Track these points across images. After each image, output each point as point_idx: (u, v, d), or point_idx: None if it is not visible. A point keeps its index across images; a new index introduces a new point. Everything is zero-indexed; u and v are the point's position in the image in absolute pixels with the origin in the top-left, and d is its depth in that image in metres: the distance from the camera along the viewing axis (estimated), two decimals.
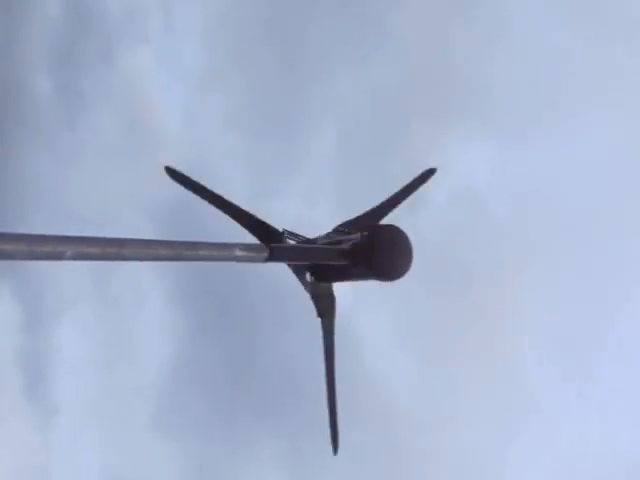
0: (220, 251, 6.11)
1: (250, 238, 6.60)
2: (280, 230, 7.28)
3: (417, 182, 8.34)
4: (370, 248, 6.82)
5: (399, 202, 8.10)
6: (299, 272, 7.26)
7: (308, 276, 7.33)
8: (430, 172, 8.46)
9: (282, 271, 7.31)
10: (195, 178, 7.87)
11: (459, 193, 23.91)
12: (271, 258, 6.35)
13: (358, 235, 6.89)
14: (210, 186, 7.75)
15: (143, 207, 26.25)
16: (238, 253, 6.19)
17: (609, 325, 23.19)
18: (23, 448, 26.06)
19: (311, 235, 7.26)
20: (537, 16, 23.90)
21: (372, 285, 7.23)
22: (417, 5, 24.59)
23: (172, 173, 7.95)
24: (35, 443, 26.49)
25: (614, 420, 23.54)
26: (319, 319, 7.63)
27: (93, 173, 26.44)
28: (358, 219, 7.69)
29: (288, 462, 23.83)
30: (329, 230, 7.38)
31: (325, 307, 7.54)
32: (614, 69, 23.20)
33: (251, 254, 6.32)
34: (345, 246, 6.90)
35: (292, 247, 7.05)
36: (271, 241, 7.02)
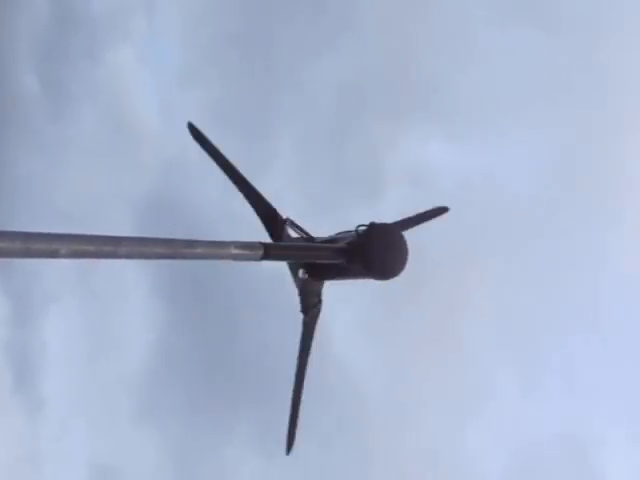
0: (215, 249, 6.04)
1: (245, 236, 6.48)
2: (283, 217, 7.27)
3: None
4: (365, 246, 6.75)
5: None
6: (293, 266, 7.16)
7: (301, 272, 7.24)
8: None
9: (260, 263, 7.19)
10: (214, 142, 7.64)
11: (415, 183, 24.47)
12: (266, 256, 6.27)
13: (354, 233, 6.82)
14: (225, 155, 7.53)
15: (123, 203, 26.26)
16: (233, 251, 6.10)
17: (558, 312, 23.96)
18: (10, 438, 26.26)
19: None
20: (492, 17, 24.49)
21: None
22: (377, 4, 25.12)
23: (193, 131, 7.76)
24: (22, 433, 26.71)
25: (562, 404, 24.41)
26: (302, 315, 7.51)
27: (75, 169, 26.44)
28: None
29: (263, 447, 24.17)
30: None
31: (310, 305, 7.45)
32: (563, 69, 24.05)
33: (246, 252, 6.25)
34: (341, 244, 6.83)
35: (287, 245, 6.98)
36: (272, 226, 7.07)
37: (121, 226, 24.12)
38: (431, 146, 25.06)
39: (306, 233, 7.23)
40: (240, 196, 7.45)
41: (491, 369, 23.88)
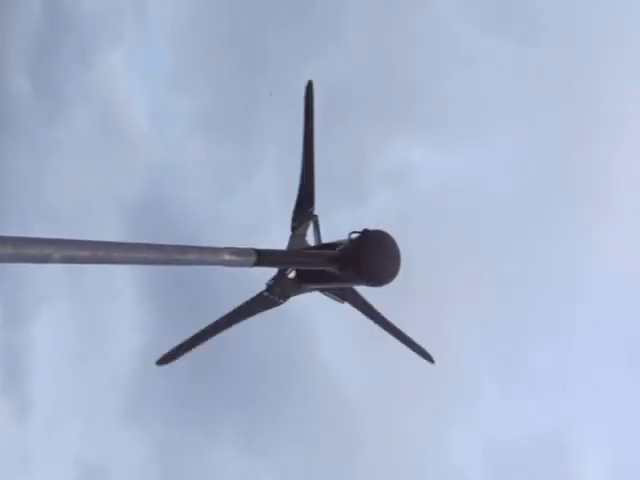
0: (208, 255, 6.01)
1: (236, 242, 6.42)
2: (314, 212, 7.50)
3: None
4: (358, 253, 6.73)
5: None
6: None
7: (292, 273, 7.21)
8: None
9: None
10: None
11: (398, 187, 24.70)
12: (259, 263, 6.24)
13: (347, 240, 6.80)
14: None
15: (114, 206, 26.29)
16: (226, 257, 6.08)
17: (538, 313, 24.00)
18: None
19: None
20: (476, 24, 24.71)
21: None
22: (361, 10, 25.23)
23: (309, 91, 8.01)
24: (11, 434, 26.75)
25: (542, 405, 24.69)
26: (265, 289, 7.46)
27: (66, 172, 26.46)
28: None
29: (248, 448, 24.25)
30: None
31: (275, 294, 7.37)
32: (544, 76, 24.26)
33: (239, 258, 6.21)
34: (334, 252, 6.80)
35: (280, 252, 6.95)
36: (300, 211, 7.29)
37: (112, 228, 24.14)
38: (415, 151, 25.29)
39: (319, 237, 7.33)
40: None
41: (473, 370, 24.09)
